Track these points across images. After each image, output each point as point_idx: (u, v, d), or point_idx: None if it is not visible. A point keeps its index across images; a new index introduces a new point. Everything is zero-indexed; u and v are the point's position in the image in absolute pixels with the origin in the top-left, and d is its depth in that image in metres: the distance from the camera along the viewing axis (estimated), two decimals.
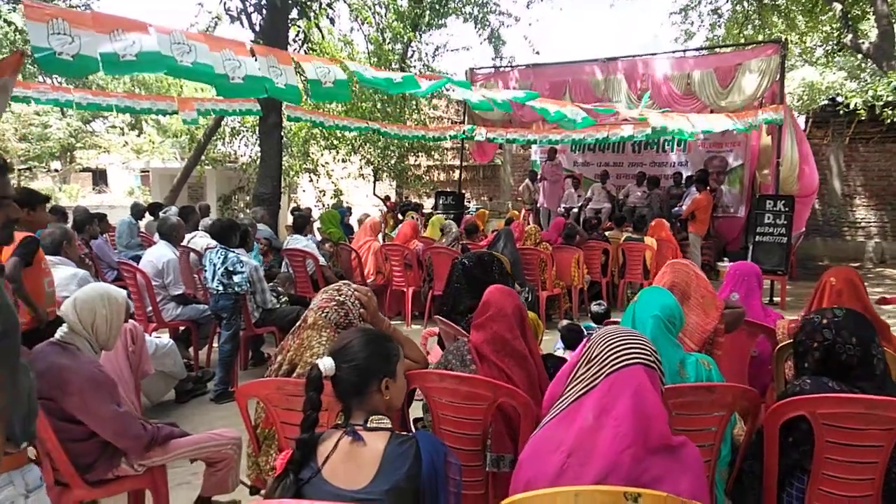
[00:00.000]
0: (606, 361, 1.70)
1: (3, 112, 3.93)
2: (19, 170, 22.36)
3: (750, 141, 11.31)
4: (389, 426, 1.68)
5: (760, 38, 15.20)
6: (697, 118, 7.55)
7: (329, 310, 2.33)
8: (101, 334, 2.51)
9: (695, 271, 3.24)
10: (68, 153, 23.86)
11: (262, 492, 3.05)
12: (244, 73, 3.79)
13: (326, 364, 1.65)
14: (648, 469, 1.60)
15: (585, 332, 5.24)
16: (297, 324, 2.40)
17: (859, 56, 18.09)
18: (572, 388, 1.75)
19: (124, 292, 2.65)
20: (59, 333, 2.47)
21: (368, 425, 1.65)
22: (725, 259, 10.25)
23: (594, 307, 5.46)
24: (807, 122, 12.88)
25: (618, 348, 1.70)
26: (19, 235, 3.62)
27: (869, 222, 12.76)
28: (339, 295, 2.37)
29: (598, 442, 1.63)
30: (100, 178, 27.08)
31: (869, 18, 12.39)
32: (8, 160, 1.90)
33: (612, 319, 5.45)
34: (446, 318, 3.31)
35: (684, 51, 11.13)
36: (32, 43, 2.93)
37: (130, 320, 2.98)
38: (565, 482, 1.59)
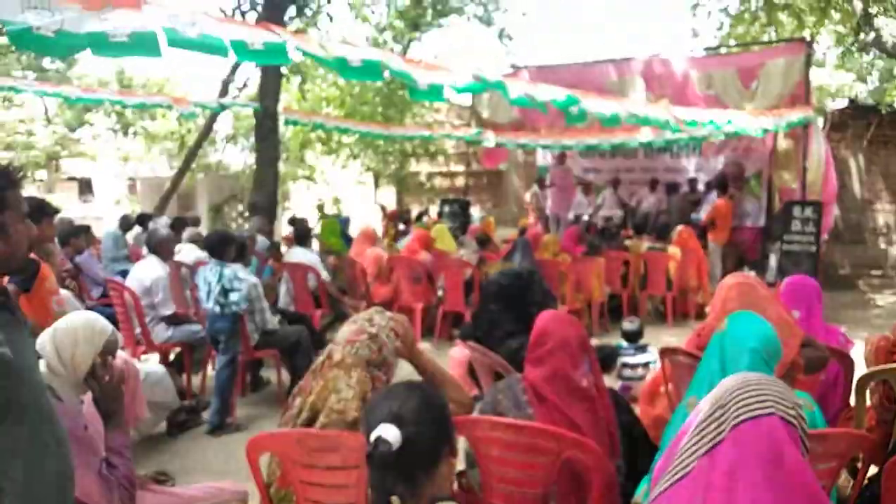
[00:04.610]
0: (731, 410, 1.34)
1: None
2: None
3: (767, 145, 11.00)
4: None
5: (766, 38, 14.94)
6: (732, 114, 7.23)
7: (360, 345, 1.95)
8: (80, 372, 2.14)
9: (764, 292, 2.90)
10: (54, 162, 23.43)
11: None
12: (263, 40, 3.44)
13: (393, 433, 1.26)
14: None
15: (619, 353, 4.92)
16: (320, 360, 2.03)
17: (866, 57, 17.88)
18: (690, 446, 1.39)
19: (111, 326, 2.28)
20: None
21: None
22: (745, 269, 9.93)
23: (626, 324, 5.10)
24: (824, 124, 12.60)
25: (748, 394, 1.32)
26: None
27: (891, 228, 12.46)
28: (372, 326, 1.99)
29: None
30: (86, 187, 26.66)
31: (889, 15, 12.12)
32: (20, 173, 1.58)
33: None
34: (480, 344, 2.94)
35: (706, 49, 10.86)
36: (1, 16, 2.54)
37: (122, 355, 2.61)
38: None
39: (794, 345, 2.67)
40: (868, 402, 2.89)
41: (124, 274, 5.85)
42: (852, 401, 3.02)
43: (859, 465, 2.27)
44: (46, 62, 18.09)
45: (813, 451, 1.95)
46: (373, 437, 1.27)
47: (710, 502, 1.27)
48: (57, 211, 3.85)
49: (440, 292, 6.84)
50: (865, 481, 2.23)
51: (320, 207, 14.66)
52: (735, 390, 1.33)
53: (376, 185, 16.02)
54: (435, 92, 4.10)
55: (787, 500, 1.24)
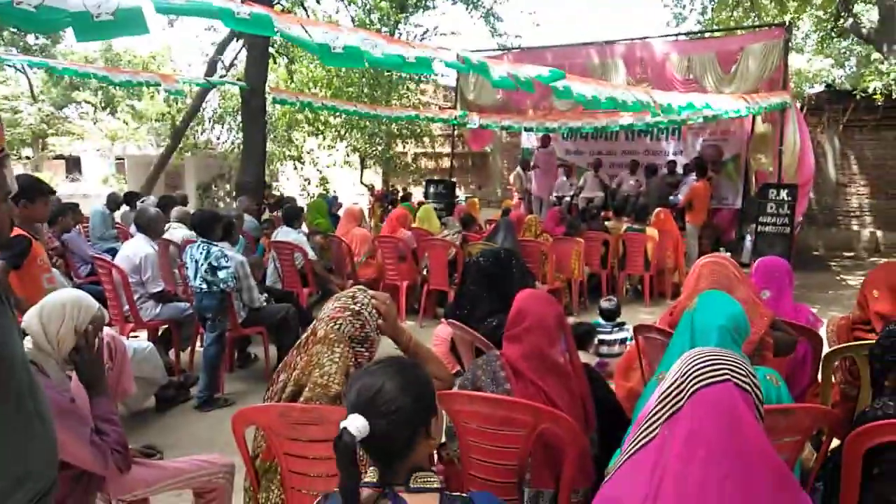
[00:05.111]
0: (690, 378, 1.38)
1: None
2: None
3: (744, 129, 11.05)
4: (438, 485, 1.33)
5: (748, 22, 14.94)
6: (710, 97, 7.24)
7: (343, 321, 1.97)
8: (64, 348, 2.14)
9: (735, 273, 2.94)
10: (40, 140, 23.04)
11: None
12: (248, 11, 3.41)
13: (358, 425, 1.25)
14: None
15: (596, 331, 4.97)
16: (305, 337, 2.05)
17: (843, 43, 17.96)
18: (653, 414, 1.44)
19: (97, 303, 2.27)
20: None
21: (412, 485, 1.31)
22: (721, 249, 10.02)
23: (604, 303, 5.15)
24: (801, 109, 12.67)
25: (705, 362, 1.38)
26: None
27: (863, 211, 12.63)
28: (354, 303, 2.01)
29: (690, 481, 1.31)
30: (73, 165, 26.26)
31: (867, 1, 12.19)
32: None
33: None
34: (462, 323, 2.97)
35: (686, 34, 10.86)
36: None
37: (109, 331, 2.60)
38: None
39: (761, 324, 2.72)
40: (833, 379, 2.98)
41: (112, 252, 5.80)
42: (820, 377, 3.10)
43: (824, 439, 2.34)
44: (30, 38, 17.68)
45: (778, 425, 2.02)
46: (341, 426, 1.27)
47: (671, 466, 1.32)
48: (52, 191, 3.82)
49: (424, 271, 6.87)
50: (828, 454, 2.29)
51: (269, 186, 14.53)
52: (693, 361, 1.39)
53: (363, 165, 15.92)
54: (424, 64, 4.07)
55: (742, 461, 1.29)
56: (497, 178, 15.67)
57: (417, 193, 14.65)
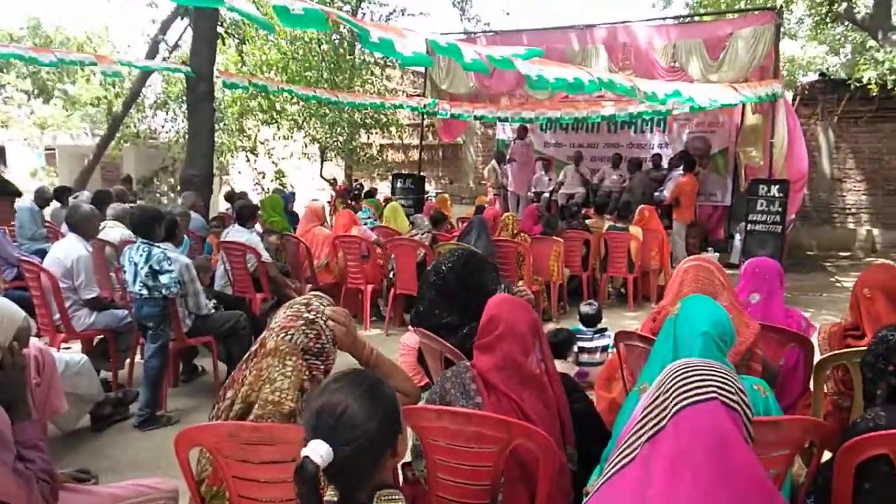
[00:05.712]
0: (674, 395, 1.40)
1: None
2: None
3: (734, 121, 11.25)
4: (403, 503, 1.35)
5: (740, 5, 15.21)
6: (698, 86, 7.35)
7: (295, 331, 1.96)
8: None
9: (721, 279, 2.99)
10: None
11: None
12: None
13: (321, 452, 1.26)
14: None
15: (576, 337, 5.02)
16: (253, 349, 2.03)
17: (838, 29, 18.40)
18: (634, 432, 1.46)
19: (23, 313, 2.22)
20: None
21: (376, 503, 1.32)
22: (709, 249, 10.20)
23: (584, 307, 5.20)
24: (794, 99, 12.94)
25: (690, 379, 1.39)
26: None
27: (860, 208, 12.91)
28: (308, 311, 2.00)
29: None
30: None
31: None
32: None
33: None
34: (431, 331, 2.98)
35: (673, 17, 11.01)
36: None
37: (37, 343, 2.54)
38: None
39: (747, 333, 2.75)
40: (826, 389, 3.05)
41: (41, 254, 5.68)
42: (812, 387, 3.17)
43: (815, 452, 2.40)
44: None
45: (766, 439, 2.06)
46: (302, 453, 1.27)
47: (653, 488, 1.34)
48: (18, 192, 3.72)
49: (391, 275, 6.86)
50: (819, 468, 2.35)
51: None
52: (677, 376, 1.39)
53: (323, 157, 15.82)
54: (386, 46, 4.06)
55: (730, 486, 1.31)
56: (470, 172, 15.73)
57: (383, 188, 14.63)
